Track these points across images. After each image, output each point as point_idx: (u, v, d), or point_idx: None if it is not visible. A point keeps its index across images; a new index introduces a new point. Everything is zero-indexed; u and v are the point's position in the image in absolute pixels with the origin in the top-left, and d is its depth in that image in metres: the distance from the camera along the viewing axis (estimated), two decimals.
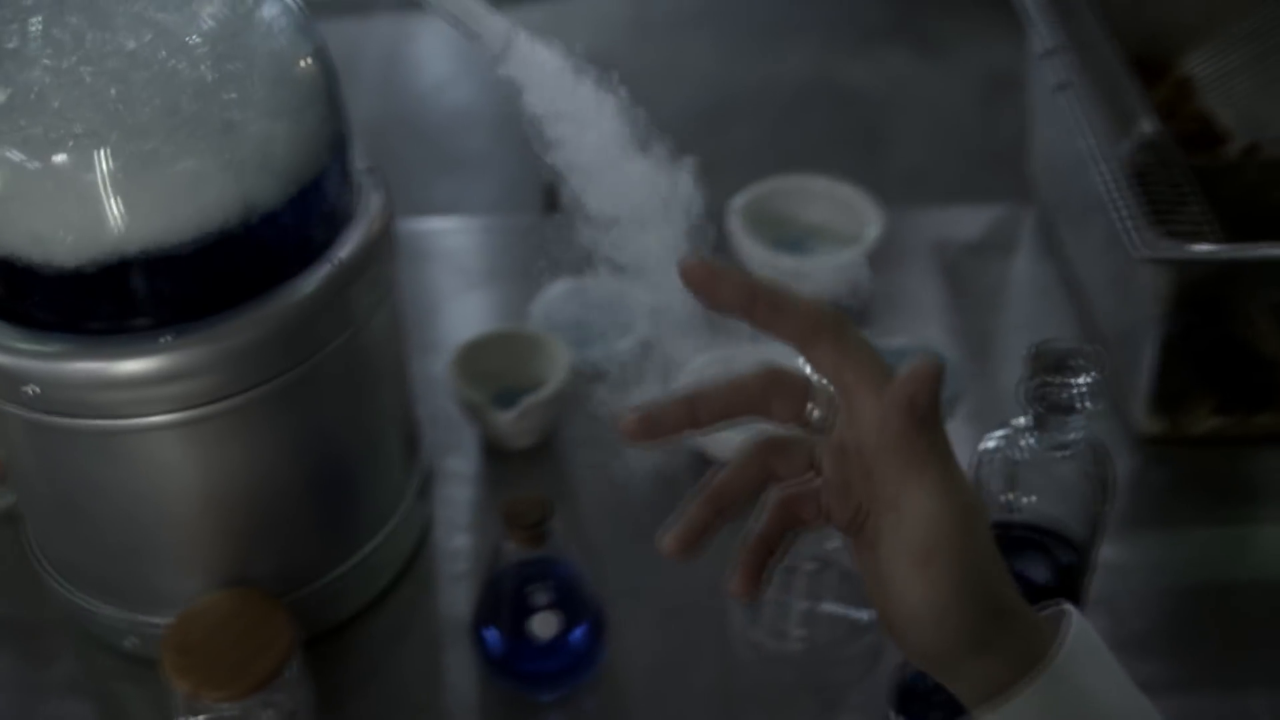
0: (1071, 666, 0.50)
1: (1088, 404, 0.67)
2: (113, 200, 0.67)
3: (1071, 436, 0.68)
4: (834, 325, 0.50)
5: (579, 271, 1.04)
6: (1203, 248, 0.86)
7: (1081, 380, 0.66)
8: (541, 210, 1.12)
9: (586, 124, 0.73)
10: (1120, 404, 0.99)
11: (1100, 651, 0.52)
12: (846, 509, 0.52)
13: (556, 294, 1.09)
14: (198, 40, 0.68)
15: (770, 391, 0.52)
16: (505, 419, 0.96)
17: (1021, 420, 0.69)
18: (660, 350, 1.03)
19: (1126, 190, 0.90)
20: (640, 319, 1.06)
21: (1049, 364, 0.67)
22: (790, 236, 1.14)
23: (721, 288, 0.50)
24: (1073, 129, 0.98)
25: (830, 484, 0.52)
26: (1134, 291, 0.94)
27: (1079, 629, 0.51)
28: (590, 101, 0.72)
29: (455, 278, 1.18)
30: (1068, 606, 0.53)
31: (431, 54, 3.48)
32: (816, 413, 0.52)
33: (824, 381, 0.52)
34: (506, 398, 0.99)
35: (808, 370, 0.52)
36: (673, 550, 0.52)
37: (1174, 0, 1.12)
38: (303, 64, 0.73)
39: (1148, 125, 0.99)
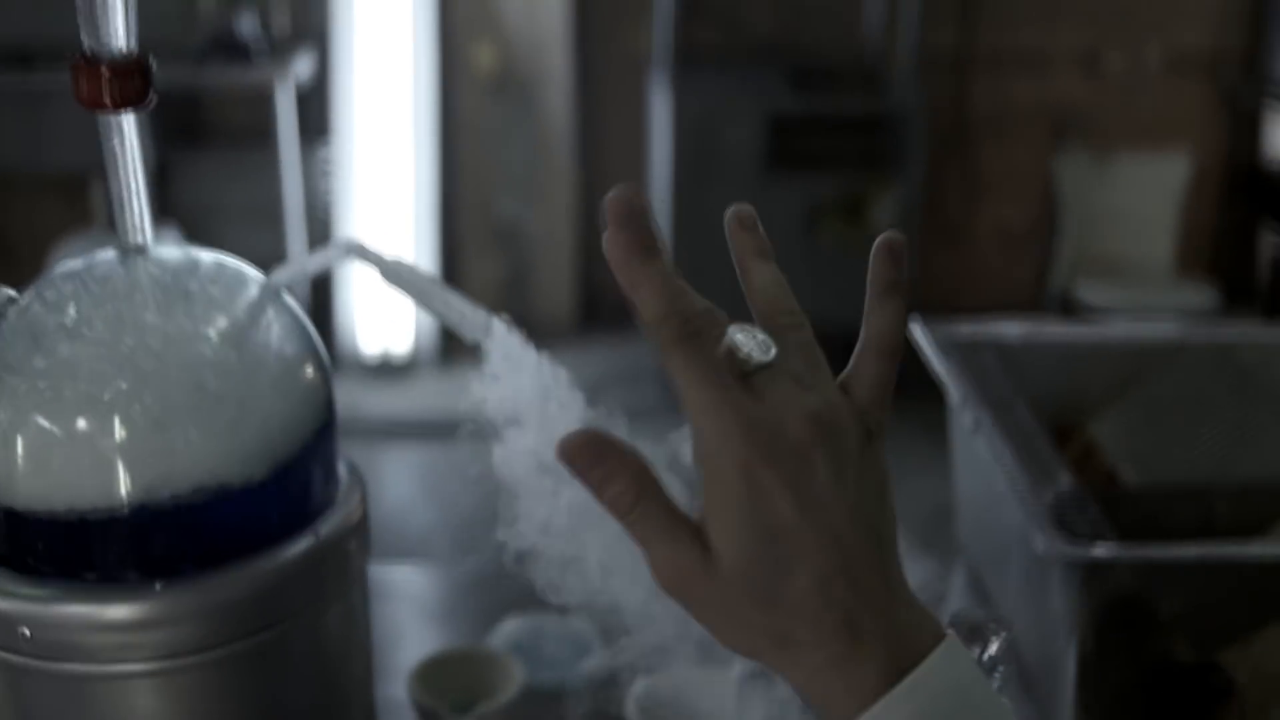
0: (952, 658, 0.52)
1: (999, 671, 0.73)
2: (123, 462, 0.75)
3: None
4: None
5: (538, 607, 1.10)
6: (1109, 549, 0.93)
7: (994, 648, 0.73)
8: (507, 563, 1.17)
9: (557, 421, 0.79)
10: None
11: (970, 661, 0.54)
12: None
13: (515, 623, 1.14)
14: (221, 332, 0.79)
15: None
16: None
17: None
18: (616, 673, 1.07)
19: (1044, 522, 0.99)
20: (596, 644, 1.11)
21: (963, 634, 0.74)
22: None
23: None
24: (990, 473, 1.08)
25: None
26: (1053, 616, 1.01)
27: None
28: (563, 396, 0.78)
29: (417, 613, 1.23)
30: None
31: (395, 480, 3.62)
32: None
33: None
34: (464, 714, 1.02)
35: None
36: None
37: (1079, 371, 1.26)
38: (306, 362, 0.84)
39: (1062, 478, 1.09)
